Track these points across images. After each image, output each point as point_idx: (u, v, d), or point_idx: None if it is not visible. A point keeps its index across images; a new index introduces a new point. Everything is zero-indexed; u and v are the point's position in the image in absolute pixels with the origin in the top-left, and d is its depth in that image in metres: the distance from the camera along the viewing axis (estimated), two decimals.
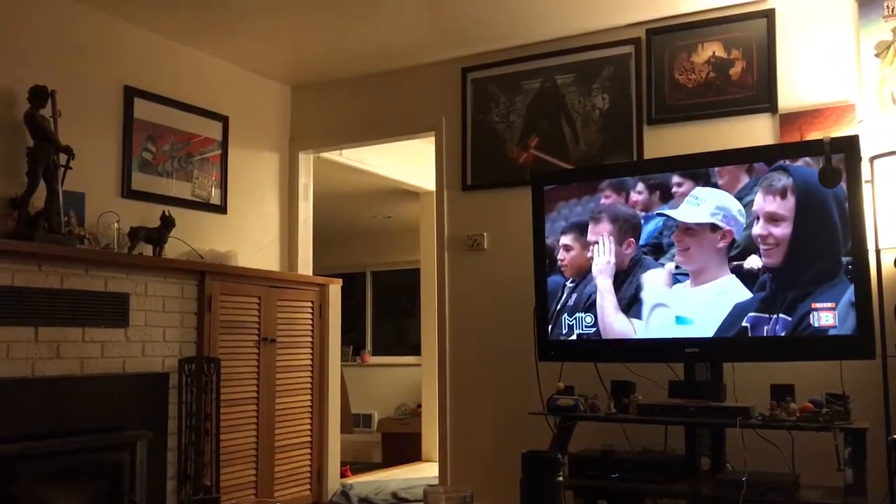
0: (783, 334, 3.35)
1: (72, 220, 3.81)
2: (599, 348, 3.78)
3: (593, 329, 3.78)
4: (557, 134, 4.57)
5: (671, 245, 3.61)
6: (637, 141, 4.34)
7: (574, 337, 3.82)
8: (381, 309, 10.02)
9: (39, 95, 3.68)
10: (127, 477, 3.65)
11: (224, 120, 4.90)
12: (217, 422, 4.07)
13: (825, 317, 3.27)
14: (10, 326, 3.34)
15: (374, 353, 9.79)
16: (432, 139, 5.03)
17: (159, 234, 4.17)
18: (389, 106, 5.16)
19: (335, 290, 5.25)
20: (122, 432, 3.69)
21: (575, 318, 3.82)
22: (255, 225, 5.11)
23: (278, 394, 4.64)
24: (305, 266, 5.38)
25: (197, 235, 4.58)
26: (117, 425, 3.70)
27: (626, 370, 3.80)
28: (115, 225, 4.02)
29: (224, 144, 4.89)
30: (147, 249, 4.14)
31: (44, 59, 3.90)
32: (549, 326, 3.88)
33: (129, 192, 4.28)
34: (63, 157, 3.75)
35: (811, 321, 3.29)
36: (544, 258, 3.93)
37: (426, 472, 6.36)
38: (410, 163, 6.51)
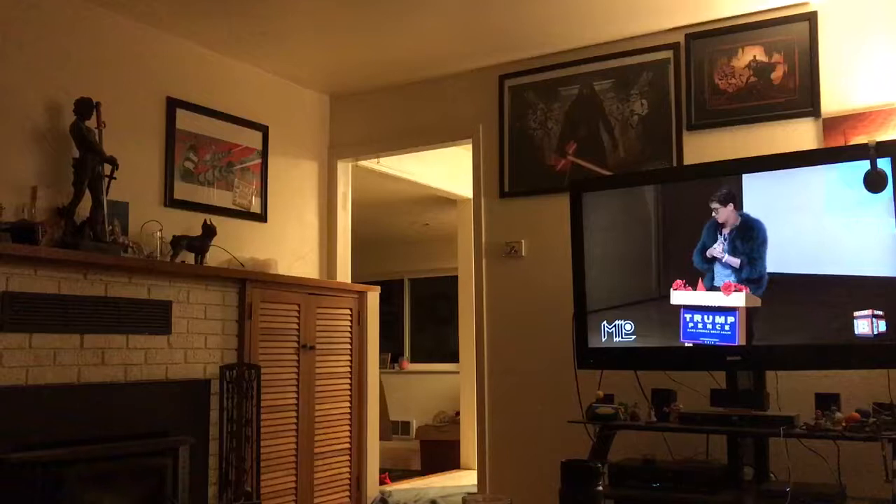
0: (828, 342, 3.29)
1: (116, 230, 3.88)
2: (639, 356, 3.74)
3: (633, 336, 3.74)
4: (596, 140, 4.55)
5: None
6: (677, 147, 4.30)
7: (613, 344, 3.79)
8: (420, 316, 10.05)
9: (85, 107, 3.76)
10: (169, 482, 3.70)
11: (264, 129, 4.96)
12: (257, 428, 4.11)
13: (873, 324, 3.20)
14: (57, 334, 3.41)
15: (413, 361, 9.81)
16: (469, 146, 5.04)
17: (201, 243, 4.22)
18: (427, 113, 5.18)
19: (373, 297, 5.27)
20: (164, 438, 3.74)
21: (615, 326, 3.79)
22: (295, 233, 5.16)
23: (317, 400, 4.67)
24: (344, 274, 5.41)
25: (238, 244, 4.63)
26: (160, 431, 3.75)
27: (667, 378, 3.75)
28: (158, 234, 4.09)
29: (264, 154, 4.95)
30: (189, 258, 4.20)
31: (89, 71, 3.99)
32: (588, 333, 3.85)
33: (171, 202, 4.35)
34: (108, 168, 3.83)
35: (856, 329, 3.23)
36: (583, 265, 3.90)
37: (465, 479, 6.35)
38: (448, 170, 6.53)
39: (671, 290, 3.65)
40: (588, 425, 3.72)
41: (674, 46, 4.35)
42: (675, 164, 4.28)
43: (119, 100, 4.08)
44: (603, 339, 3.81)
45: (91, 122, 3.80)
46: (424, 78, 5.16)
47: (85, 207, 3.73)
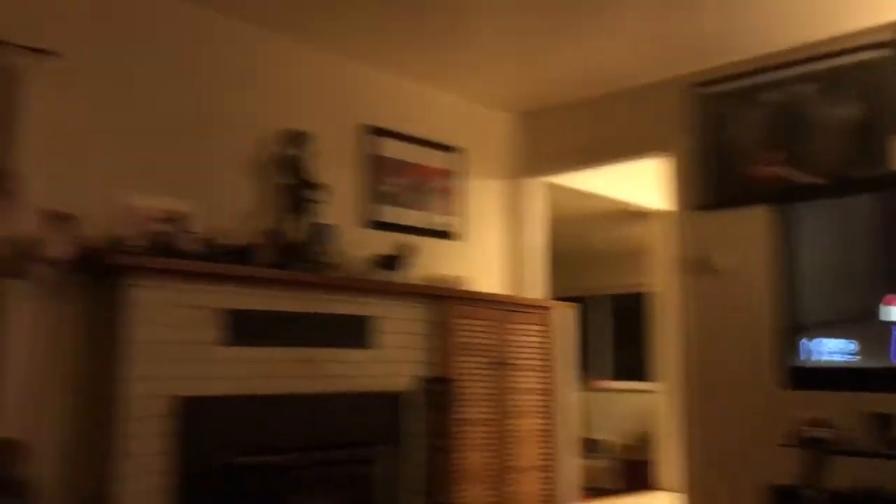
0: None
1: (323, 250, 4.14)
2: (852, 376, 3.47)
3: (846, 356, 3.49)
4: (800, 148, 4.29)
5: None
6: None
7: (822, 364, 3.54)
8: (613, 333, 9.86)
9: (293, 138, 4.07)
10: (371, 490, 3.87)
11: (458, 152, 5.12)
12: (453, 441, 4.21)
13: None
14: (274, 347, 3.69)
15: (607, 378, 9.64)
16: (660, 158, 4.92)
17: (400, 262, 4.41)
18: (618, 127, 5.12)
19: (567, 313, 5.26)
20: (368, 447, 3.93)
21: (824, 344, 3.55)
22: (489, 251, 5.26)
23: (512, 416, 4.72)
24: (537, 290, 5.44)
25: (434, 262, 4.80)
26: (364, 440, 3.95)
27: (880, 400, 3.45)
28: (360, 253, 4.32)
29: (458, 175, 5.10)
30: (390, 276, 4.39)
31: (296, 104, 4.30)
32: (794, 352, 3.63)
33: (372, 223, 4.58)
34: (316, 193, 4.10)
35: None
36: (790, 280, 3.69)
37: (661, 501, 6.15)
38: (637, 183, 6.39)
39: (884, 305, 3.37)
40: (799, 450, 3.49)
41: (892, 44, 4.03)
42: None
43: (323, 129, 4.36)
44: (811, 358, 3.58)
45: (299, 152, 4.09)
46: (614, 91, 5.11)
47: (295, 230, 4.01)
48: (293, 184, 4.03)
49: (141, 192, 3.62)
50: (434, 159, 4.98)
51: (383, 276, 4.35)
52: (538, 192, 5.58)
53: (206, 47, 3.99)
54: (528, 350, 4.91)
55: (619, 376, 9.58)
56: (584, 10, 4.00)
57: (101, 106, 3.58)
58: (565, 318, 5.24)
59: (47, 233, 1.35)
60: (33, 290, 3.20)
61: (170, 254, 3.44)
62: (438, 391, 4.20)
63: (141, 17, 3.77)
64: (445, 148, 5.05)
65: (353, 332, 4.01)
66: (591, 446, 8.90)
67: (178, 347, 3.40)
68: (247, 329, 3.61)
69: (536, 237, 5.52)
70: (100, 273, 3.35)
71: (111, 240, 3.37)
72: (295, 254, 3.94)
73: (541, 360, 4.99)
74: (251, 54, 4.16)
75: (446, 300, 4.42)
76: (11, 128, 3.23)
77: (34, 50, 3.32)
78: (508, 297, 5.08)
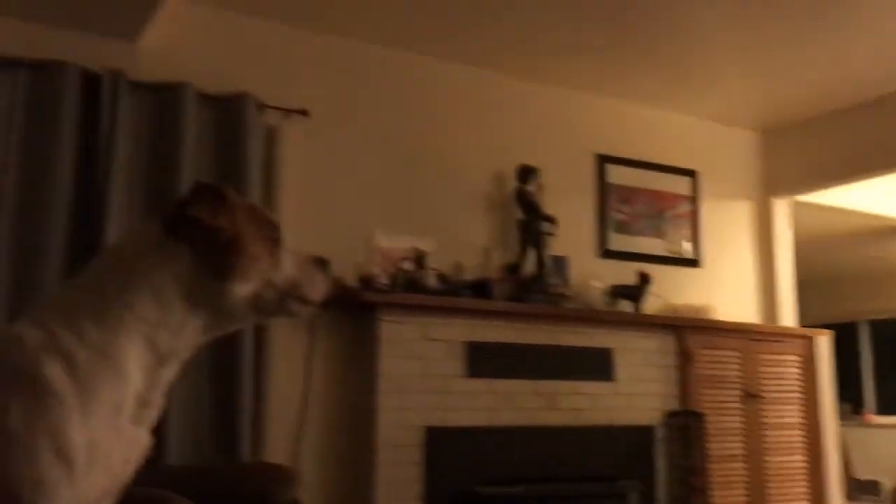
0: None
1: (558, 282, 4.15)
2: None
3: None
4: None
5: None
6: None
7: None
8: (883, 362, 8.94)
9: (525, 173, 4.13)
10: None
11: (692, 174, 4.93)
12: (705, 478, 4.01)
13: None
14: (513, 379, 3.74)
15: (879, 412, 8.73)
16: None
17: (637, 291, 4.31)
18: (876, 137, 4.69)
19: (823, 341, 4.85)
20: (612, 482, 3.84)
21: None
22: (731, 277, 5.00)
23: (767, 453, 4.40)
24: (788, 317, 5.07)
25: (672, 290, 4.63)
26: (608, 475, 3.86)
27: None
28: (596, 284, 4.27)
29: (694, 199, 4.91)
30: (626, 306, 4.31)
31: (525, 138, 4.37)
32: None
33: (606, 253, 4.52)
34: (547, 226, 4.13)
35: None
36: None
37: None
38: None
39: None
40: None
41: None
42: None
43: (554, 162, 4.39)
44: None
45: (531, 186, 4.15)
46: (868, 99, 4.69)
47: (530, 263, 4.06)
48: (527, 218, 4.09)
49: (386, 232, 3.86)
50: (668, 184, 4.83)
51: (621, 306, 4.27)
52: (784, 211, 5.22)
53: (439, 93, 4.18)
54: (783, 382, 4.58)
55: (882, 410, 8.66)
56: (827, 14, 3.73)
57: (345, 155, 3.86)
58: (820, 346, 4.83)
59: (306, 275, 1.47)
60: (293, 327, 3.52)
61: (414, 290, 3.61)
62: (685, 425, 4.03)
63: (377, 72, 4.03)
64: (680, 171, 4.89)
65: (592, 365, 3.97)
66: (857, 487, 8.07)
67: (423, 379, 3.54)
68: (487, 361, 3.69)
69: (785, 261, 5.16)
70: (352, 310, 3.61)
71: (361, 278, 3.61)
72: (531, 286, 3.99)
73: (797, 392, 4.62)
74: (482, 96, 4.30)
75: (689, 330, 4.25)
76: (273, 181, 3.60)
77: (288, 110, 3.68)
78: (755, 325, 4.78)
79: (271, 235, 1.45)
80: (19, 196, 3.09)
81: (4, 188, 3.07)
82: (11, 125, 3.12)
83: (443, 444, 3.50)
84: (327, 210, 3.74)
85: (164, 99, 3.39)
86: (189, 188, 1.40)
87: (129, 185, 3.28)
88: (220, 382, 3.30)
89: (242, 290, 1.39)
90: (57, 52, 3.22)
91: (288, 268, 1.45)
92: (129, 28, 3.33)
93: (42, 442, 1.16)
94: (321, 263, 1.51)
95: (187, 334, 1.37)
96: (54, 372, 1.20)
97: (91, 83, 3.25)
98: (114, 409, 1.25)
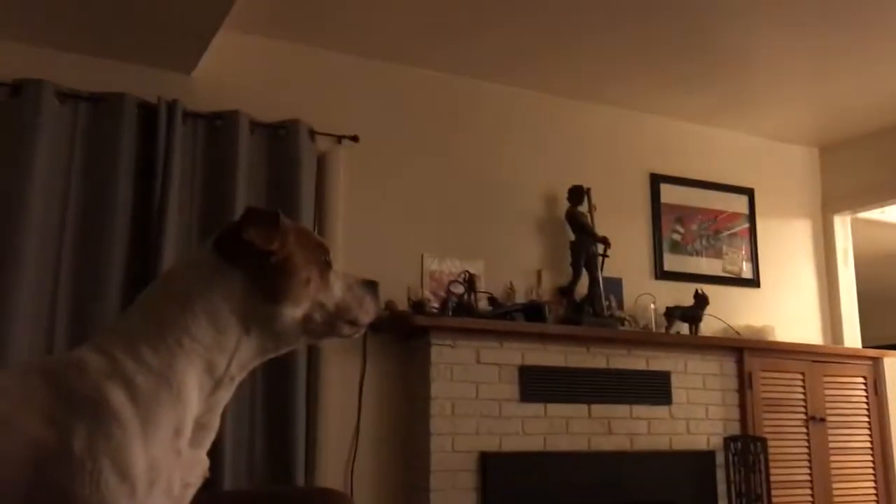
0: None
1: (612, 304, 4.09)
2: None
3: None
4: None
5: None
6: None
7: None
8: None
9: (577, 194, 4.09)
10: None
11: (749, 193, 4.83)
12: None
13: None
14: (568, 404, 3.67)
15: None
16: None
17: (694, 313, 4.22)
18: None
19: (891, 363, 4.67)
20: None
21: None
22: (791, 296, 4.86)
23: (834, 479, 4.24)
24: (852, 338, 4.91)
25: (731, 311, 4.52)
26: (667, 501, 3.76)
27: None
28: (652, 306, 4.20)
29: (751, 217, 4.81)
30: (683, 328, 4.22)
31: (577, 159, 4.33)
32: None
33: (661, 274, 4.44)
34: (600, 247, 4.07)
35: None
36: None
37: None
38: None
39: None
40: None
41: None
42: None
43: (606, 182, 4.34)
44: None
45: (583, 207, 4.10)
46: None
47: (583, 285, 4.01)
48: (579, 239, 4.05)
49: (436, 255, 3.85)
50: (725, 202, 4.74)
51: (678, 328, 4.18)
52: (844, 228, 5.08)
53: (488, 115, 4.18)
54: (849, 405, 4.42)
55: None
56: (885, 27, 3.64)
57: (395, 179, 3.87)
58: (891, 368, 4.66)
59: (355, 297, 1.47)
60: (345, 352, 3.53)
61: (465, 313, 3.59)
62: (747, 450, 3.91)
63: (425, 96, 4.05)
64: (736, 189, 4.79)
65: (649, 388, 3.88)
66: None
67: (477, 404, 3.50)
68: (541, 385, 3.63)
69: (847, 279, 5.01)
70: (403, 334, 3.60)
71: (412, 302, 3.60)
72: (585, 309, 3.93)
73: (865, 416, 4.45)
74: (532, 117, 4.28)
75: (749, 352, 4.13)
76: (324, 206, 3.63)
77: (338, 136, 3.72)
78: (818, 347, 4.64)
79: (322, 258, 1.46)
80: (80, 224, 3.17)
81: (66, 216, 3.15)
82: (73, 155, 3.21)
83: (498, 470, 3.45)
84: (378, 234, 3.75)
85: (217, 127, 3.45)
86: (241, 212, 1.42)
87: (185, 212, 3.34)
88: (274, 408, 3.31)
89: (294, 312, 1.40)
90: (115, 85, 3.30)
91: (338, 290, 1.46)
92: (185, 60, 3.41)
93: (105, 464, 1.18)
94: (370, 286, 1.51)
95: (242, 356, 1.38)
96: (116, 396, 1.23)
97: (148, 114, 3.33)
98: (173, 431, 1.27)
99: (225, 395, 1.39)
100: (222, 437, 3.08)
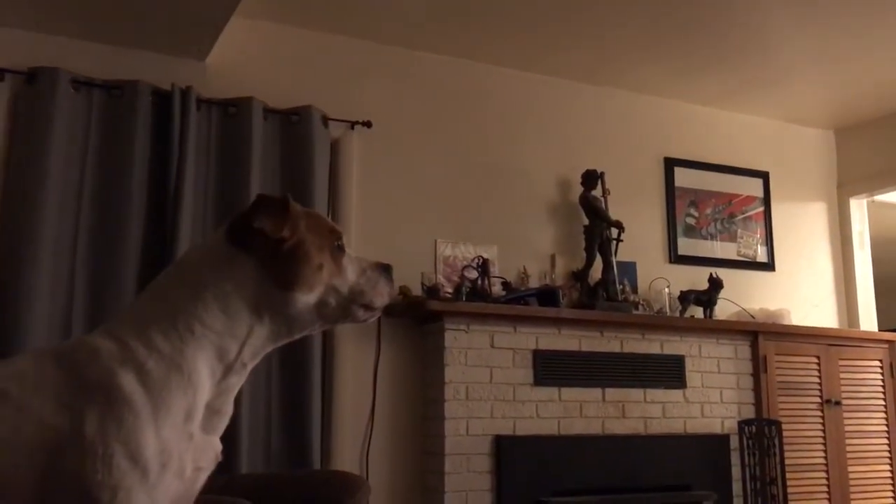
0: None
1: (626, 288, 4.08)
2: None
3: None
4: None
5: None
6: None
7: None
8: None
9: (591, 178, 4.08)
10: None
11: (764, 176, 4.80)
12: (784, 488, 3.88)
13: None
14: (581, 388, 3.68)
15: None
16: None
17: (708, 297, 4.21)
18: None
19: None
20: (687, 492, 3.75)
21: None
22: (806, 280, 4.84)
23: (850, 462, 4.24)
24: (868, 321, 4.89)
25: (745, 295, 4.50)
26: (681, 485, 3.77)
27: None
28: (666, 290, 4.19)
29: (766, 200, 4.78)
30: (697, 312, 4.21)
31: (591, 143, 4.32)
32: None
33: (675, 258, 4.43)
34: (614, 231, 4.07)
35: None
36: None
37: None
38: None
39: None
40: None
41: None
42: None
43: (619, 166, 4.32)
44: None
45: (596, 191, 4.09)
46: None
47: (596, 270, 4.01)
48: (593, 223, 4.04)
49: (450, 240, 3.86)
50: (739, 186, 4.72)
51: (692, 312, 4.17)
52: (861, 211, 5.04)
53: (501, 100, 4.17)
54: (864, 388, 4.40)
55: None
56: None
57: (408, 164, 3.87)
58: None
59: (369, 281, 1.47)
60: (360, 337, 3.55)
61: (478, 298, 3.60)
62: (761, 434, 3.91)
63: (437, 81, 4.04)
64: (751, 173, 4.77)
65: (664, 372, 3.88)
66: None
67: (491, 388, 3.51)
68: (555, 369, 3.64)
69: (863, 262, 4.97)
70: (417, 318, 3.61)
71: (426, 287, 3.62)
72: (599, 293, 3.93)
73: (881, 399, 4.43)
74: (545, 101, 4.27)
75: (764, 336, 4.12)
76: (338, 191, 3.65)
77: (351, 122, 3.73)
78: (833, 330, 4.62)
79: (334, 243, 1.46)
80: (95, 210, 3.19)
81: (82, 203, 3.18)
82: (88, 142, 3.23)
83: (513, 453, 3.47)
84: (392, 219, 3.76)
85: (231, 114, 3.47)
86: (252, 200, 1.42)
87: (200, 198, 3.36)
88: (289, 393, 3.34)
89: (307, 298, 1.40)
90: (129, 72, 3.32)
91: (351, 274, 1.46)
92: (198, 47, 3.42)
93: (117, 449, 1.20)
94: (384, 269, 1.51)
95: (254, 342, 1.39)
96: (127, 382, 1.24)
97: (162, 101, 3.34)
98: (185, 416, 1.28)
99: (237, 381, 1.40)
100: (238, 422, 3.11)
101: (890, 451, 4.39)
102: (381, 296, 1.49)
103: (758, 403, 4.05)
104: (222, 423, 1.39)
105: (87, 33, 3.30)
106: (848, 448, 4.25)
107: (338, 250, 1.46)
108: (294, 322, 1.42)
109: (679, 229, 4.49)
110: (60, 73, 3.17)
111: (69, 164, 3.17)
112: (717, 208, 4.63)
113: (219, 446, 1.38)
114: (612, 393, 3.75)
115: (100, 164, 3.23)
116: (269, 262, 1.38)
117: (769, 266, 4.71)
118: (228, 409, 1.39)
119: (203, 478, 1.35)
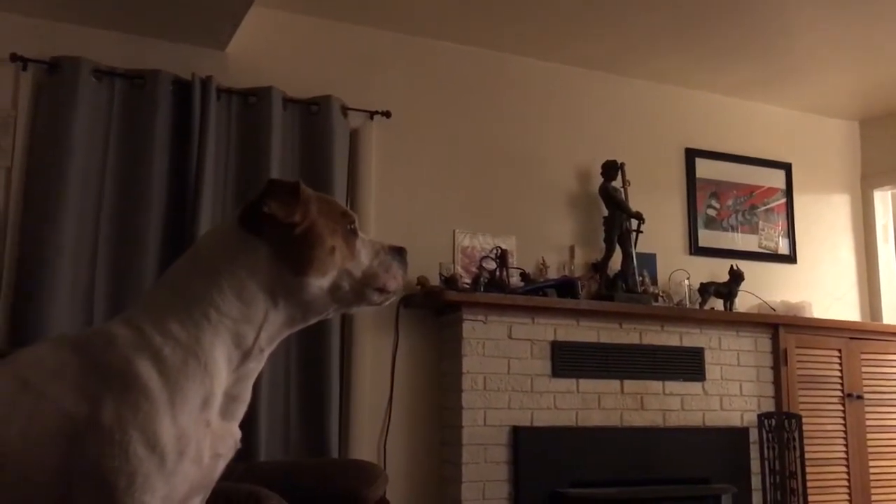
0: None
1: (646, 280, 4.06)
2: None
3: None
4: None
5: None
6: None
7: None
8: None
9: (610, 169, 4.05)
10: None
11: (786, 167, 4.75)
12: (803, 482, 3.85)
13: None
14: (600, 379, 3.67)
15: None
16: None
17: (729, 289, 4.17)
18: None
19: None
20: (705, 485, 3.73)
21: None
22: (829, 272, 4.79)
23: (871, 457, 4.19)
24: (891, 314, 4.83)
25: (766, 287, 4.46)
26: (700, 477, 3.75)
27: None
28: (686, 282, 4.16)
29: (788, 192, 4.73)
30: (717, 304, 4.18)
31: (611, 134, 4.29)
32: None
33: (696, 249, 4.40)
34: (634, 223, 4.04)
35: None
36: None
37: None
38: None
39: None
40: None
41: None
42: None
43: (640, 157, 4.29)
44: None
45: (616, 182, 4.07)
46: None
47: (616, 261, 3.99)
48: (613, 215, 4.02)
49: (468, 231, 3.85)
50: (761, 177, 4.67)
51: (712, 304, 4.14)
52: (885, 203, 4.97)
53: (521, 90, 4.15)
54: (887, 382, 4.35)
55: None
56: None
57: (427, 155, 3.87)
58: None
59: (383, 264, 1.47)
60: (378, 327, 3.56)
61: (497, 289, 3.59)
62: (781, 427, 3.88)
63: (457, 71, 4.02)
64: (773, 164, 4.72)
65: (683, 364, 3.86)
66: None
67: (509, 379, 3.51)
68: (574, 361, 3.63)
69: (887, 255, 4.91)
70: (434, 308, 3.62)
71: (443, 277, 3.62)
72: (618, 285, 3.91)
73: None
74: (565, 91, 4.24)
75: (785, 328, 4.09)
76: (357, 181, 3.65)
77: (371, 112, 3.73)
78: (856, 323, 4.57)
79: (346, 226, 1.45)
80: (117, 199, 3.22)
81: (103, 192, 3.20)
82: (109, 131, 3.26)
83: (530, 444, 3.46)
84: (410, 209, 3.76)
85: (251, 104, 3.48)
86: (263, 185, 1.42)
87: (220, 188, 3.37)
88: (308, 382, 3.35)
89: (321, 282, 1.40)
90: (150, 62, 3.34)
91: (364, 257, 1.45)
92: (219, 37, 3.43)
93: (134, 436, 1.21)
94: (398, 252, 1.50)
95: (270, 328, 1.39)
96: (144, 369, 1.25)
97: (182, 90, 3.36)
98: (201, 403, 1.28)
99: (255, 367, 1.40)
100: (257, 410, 3.13)
101: None
102: (395, 279, 1.49)
103: (778, 397, 4.02)
104: (241, 410, 1.39)
105: (108, 23, 3.32)
106: (869, 442, 4.21)
107: (351, 234, 1.45)
108: (309, 307, 1.42)
109: (700, 221, 4.45)
110: (82, 63, 3.20)
111: (91, 153, 3.20)
112: (738, 200, 4.59)
113: (238, 433, 1.38)
114: (630, 385, 3.74)
115: (121, 152, 3.26)
116: (282, 246, 1.38)
117: (791, 258, 4.67)
118: (246, 396, 1.40)
119: (222, 465, 1.36)
